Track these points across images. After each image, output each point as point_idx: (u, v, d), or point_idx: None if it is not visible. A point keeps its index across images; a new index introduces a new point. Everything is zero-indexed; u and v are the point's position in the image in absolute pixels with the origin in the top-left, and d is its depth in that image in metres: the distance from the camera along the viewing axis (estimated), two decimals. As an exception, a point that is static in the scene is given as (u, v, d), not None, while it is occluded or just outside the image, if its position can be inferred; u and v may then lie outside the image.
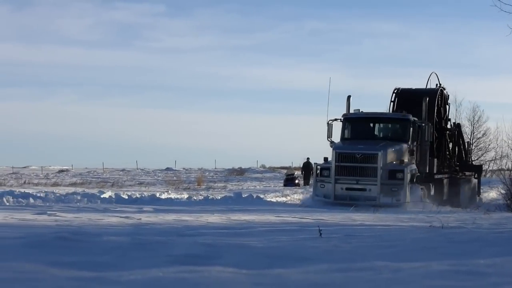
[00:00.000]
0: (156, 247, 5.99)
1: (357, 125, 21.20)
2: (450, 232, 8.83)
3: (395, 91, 23.38)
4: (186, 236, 7.80)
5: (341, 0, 76.08)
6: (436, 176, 22.18)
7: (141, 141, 75.73)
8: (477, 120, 35.62)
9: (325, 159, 20.02)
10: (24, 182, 30.56)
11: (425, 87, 23.93)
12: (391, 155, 19.60)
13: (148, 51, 71.99)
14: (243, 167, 47.87)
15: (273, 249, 6.33)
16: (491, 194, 25.57)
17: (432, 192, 21.39)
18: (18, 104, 78.82)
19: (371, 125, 21.61)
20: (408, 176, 19.22)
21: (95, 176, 39.33)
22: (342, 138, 20.77)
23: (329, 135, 20.67)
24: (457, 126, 25.78)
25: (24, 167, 47.59)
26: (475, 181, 25.48)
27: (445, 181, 23.18)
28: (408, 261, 5.01)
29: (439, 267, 4.40)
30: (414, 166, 20.06)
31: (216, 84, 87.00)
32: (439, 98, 23.36)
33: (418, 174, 20.17)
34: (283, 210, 14.84)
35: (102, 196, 17.55)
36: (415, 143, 20.52)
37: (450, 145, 24.85)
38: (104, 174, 41.72)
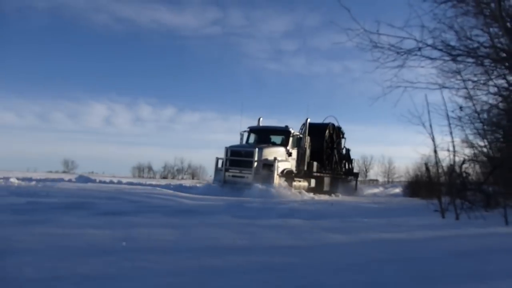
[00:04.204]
0: (271, 210, 11.64)
1: (256, 134, 27.51)
2: (383, 206, 16.21)
3: (304, 123, 29.24)
4: (283, 205, 14.00)
5: None
6: (315, 174, 28.55)
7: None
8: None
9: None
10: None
11: (322, 122, 32.50)
12: (268, 154, 24.48)
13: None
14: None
15: (316, 211, 12.17)
16: (396, 190, 38.49)
17: (313, 184, 27.94)
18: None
19: (268, 135, 27.35)
20: (278, 170, 24.03)
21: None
22: (247, 142, 27.11)
23: (241, 142, 27.17)
24: (348, 150, 35.26)
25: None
26: (354, 182, 35.68)
27: (326, 178, 30.11)
28: (368, 217, 10.90)
29: (382, 221, 10.22)
30: (286, 164, 25.31)
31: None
32: (331, 129, 31.48)
33: (290, 169, 25.56)
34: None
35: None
36: (296, 149, 26.40)
37: (347, 162, 34.86)
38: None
